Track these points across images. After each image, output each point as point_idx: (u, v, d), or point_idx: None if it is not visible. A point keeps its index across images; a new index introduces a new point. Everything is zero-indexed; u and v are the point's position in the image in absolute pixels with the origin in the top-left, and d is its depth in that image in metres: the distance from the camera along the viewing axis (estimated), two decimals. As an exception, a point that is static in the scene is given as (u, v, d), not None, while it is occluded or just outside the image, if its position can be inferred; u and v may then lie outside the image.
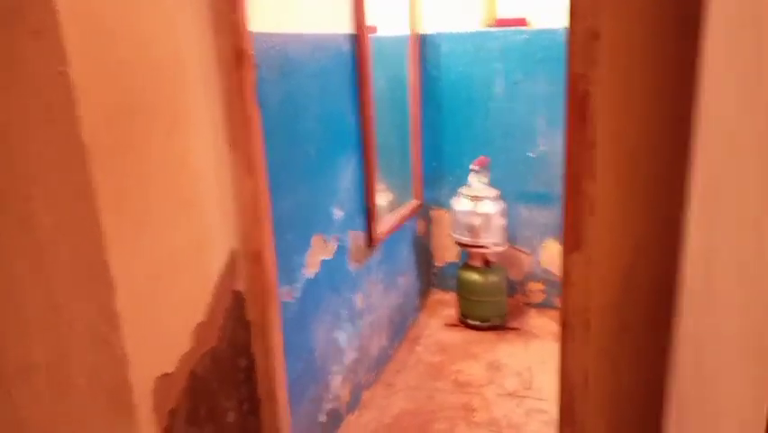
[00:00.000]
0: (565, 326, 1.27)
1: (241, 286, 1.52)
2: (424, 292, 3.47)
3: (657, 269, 1.13)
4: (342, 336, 2.29)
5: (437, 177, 3.42)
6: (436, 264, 3.60)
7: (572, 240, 1.22)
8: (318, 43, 2.00)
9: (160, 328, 1.22)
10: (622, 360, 1.21)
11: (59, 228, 1.02)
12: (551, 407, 2.45)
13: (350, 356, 2.38)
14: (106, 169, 1.01)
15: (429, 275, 3.58)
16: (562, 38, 2.90)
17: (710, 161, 0.90)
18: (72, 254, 1.03)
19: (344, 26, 2.20)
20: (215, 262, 1.42)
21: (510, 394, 2.57)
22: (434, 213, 3.50)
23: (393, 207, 2.89)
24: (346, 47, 2.22)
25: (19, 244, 1.05)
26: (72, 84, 0.90)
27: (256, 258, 1.51)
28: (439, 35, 3.22)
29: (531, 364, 2.81)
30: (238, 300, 1.52)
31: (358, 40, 2.27)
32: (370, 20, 2.33)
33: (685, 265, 1.02)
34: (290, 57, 1.82)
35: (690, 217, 0.99)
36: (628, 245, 1.16)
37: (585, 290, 1.22)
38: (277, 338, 1.62)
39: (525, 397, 2.54)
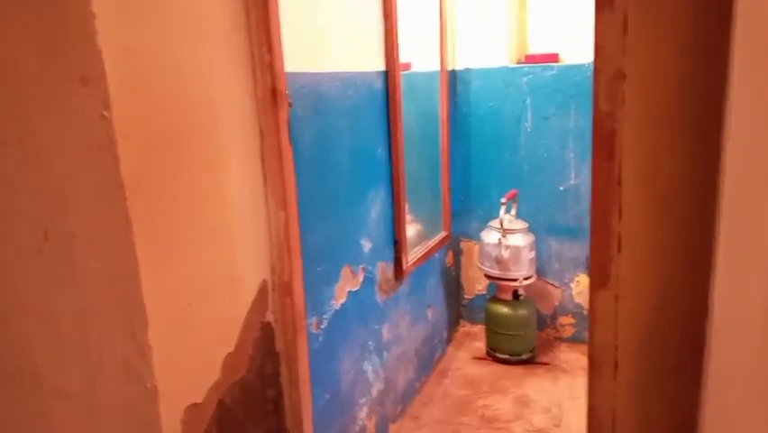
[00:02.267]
0: (593, 363, 1.26)
1: (270, 317, 1.55)
2: (452, 325, 3.45)
3: (689, 308, 1.12)
4: (368, 368, 2.30)
5: (466, 209, 3.43)
6: (465, 296, 3.59)
7: (599, 276, 1.22)
8: (350, 81, 2.06)
9: (191, 359, 1.25)
10: (652, 402, 1.20)
11: (97, 260, 1.07)
12: (581, 446, 2.40)
13: (376, 388, 2.38)
14: (142, 203, 1.06)
15: (458, 307, 3.57)
16: (591, 73, 2.93)
17: (742, 199, 0.90)
18: (108, 286, 1.08)
19: (376, 64, 2.26)
20: (247, 293, 1.45)
21: (539, 431, 2.53)
22: (464, 244, 3.50)
23: (421, 238, 2.91)
24: (378, 84, 2.28)
25: (61, 273, 1.10)
26: (113, 127, 0.96)
27: (286, 289, 1.55)
28: (469, 71, 3.27)
29: (561, 400, 2.76)
30: (267, 331, 1.55)
31: (389, 76, 2.33)
32: (402, 56, 2.39)
33: (717, 303, 1.01)
34: (323, 94, 1.88)
35: (722, 253, 0.99)
36: (658, 283, 1.16)
37: (612, 328, 1.22)
38: (304, 369, 1.64)
39: (554, 435, 2.49)
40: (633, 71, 1.12)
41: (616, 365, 1.23)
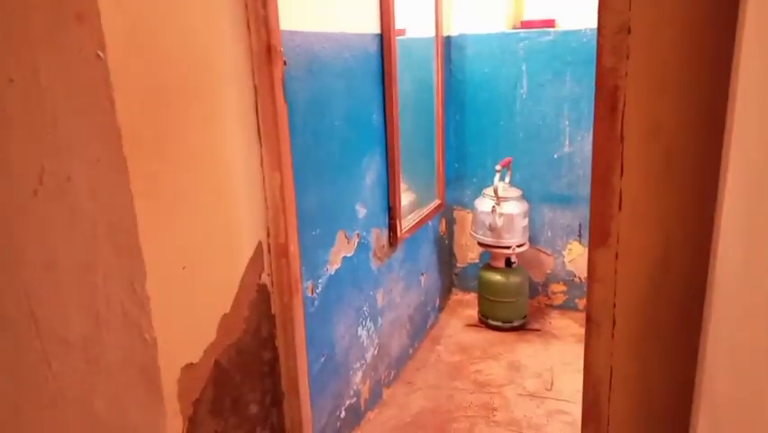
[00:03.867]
0: (590, 322, 1.26)
1: (266, 279, 1.54)
2: (445, 292, 3.46)
3: (689, 266, 1.12)
4: (363, 333, 2.30)
5: (460, 177, 3.42)
6: (458, 265, 3.60)
7: (599, 235, 1.21)
8: (345, 42, 2.01)
9: (188, 317, 1.24)
10: (650, 359, 1.20)
11: (94, 206, 1.05)
12: (572, 408, 2.43)
13: (370, 353, 2.39)
14: (141, 154, 1.04)
15: (450, 275, 3.58)
16: (589, 39, 2.91)
17: (748, 154, 0.89)
18: (108, 235, 1.06)
19: (372, 26, 2.22)
20: (243, 254, 1.44)
21: (531, 395, 2.56)
22: (457, 213, 3.50)
23: (415, 206, 2.90)
24: (373, 47, 2.23)
25: (58, 218, 1.08)
26: (108, 68, 0.93)
27: (282, 251, 1.53)
28: (464, 37, 3.22)
29: (552, 366, 2.79)
30: (263, 293, 1.54)
31: (385, 40, 2.28)
32: (397, 22, 2.34)
33: (719, 262, 1.00)
34: (318, 55, 1.84)
35: (725, 213, 0.98)
36: (659, 241, 1.15)
37: (611, 286, 1.22)
38: (300, 332, 1.63)
39: (545, 398, 2.52)
40: (638, 25, 1.10)
41: (614, 323, 1.23)
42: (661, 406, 1.22)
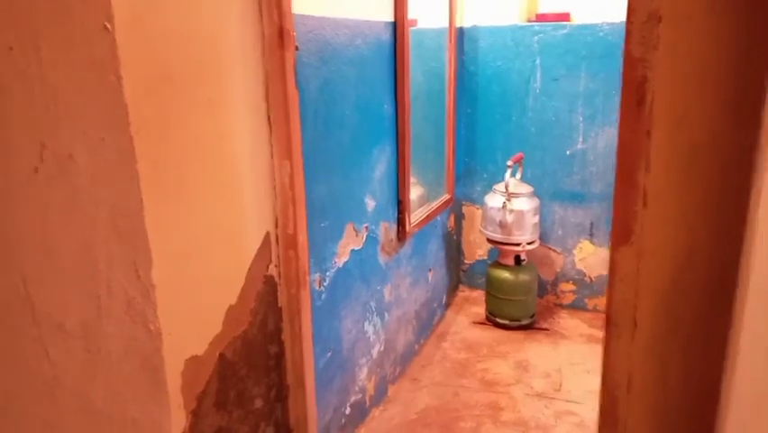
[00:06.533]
0: (610, 322, 1.21)
1: (273, 270, 1.50)
2: (451, 289, 3.42)
3: (714, 266, 1.07)
4: (369, 328, 2.26)
5: (469, 172, 3.36)
6: (465, 261, 3.55)
7: (622, 233, 1.16)
8: (358, 29, 1.97)
9: (193, 308, 1.20)
10: (671, 361, 1.15)
11: (98, 187, 1.01)
12: (581, 410, 2.39)
13: (377, 349, 2.35)
14: (147, 136, 0.99)
15: (458, 272, 3.53)
16: (606, 33, 2.85)
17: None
18: (110, 217, 1.01)
19: (385, 14, 2.17)
20: (250, 244, 1.40)
21: (539, 395, 2.51)
22: (466, 208, 3.45)
23: (424, 200, 2.85)
24: (386, 35, 2.18)
25: (59, 199, 1.03)
26: (116, 42, 0.88)
27: (290, 242, 1.49)
28: (477, 29, 3.16)
29: (560, 366, 2.74)
30: (270, 285, 1.50)
31: (398, 29, 2.23)
32: (410, 12, 2.29)
33: (755, 259, 0.95)
34: (330, 42, 1.79)
35: (762, 207, 0.93)
36: (683, 240, 1.10)
37: (633, 287, 1.17)
38: (307, 326, 1.59)
39: (553, 398, 2.48)
40: (669, 14, 1.05)
41: (635, 325, 1.18)
42: (681, 411, 1.18)
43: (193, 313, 1.20)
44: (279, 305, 1.54)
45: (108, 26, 0.87)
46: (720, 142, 1.05)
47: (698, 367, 1.13)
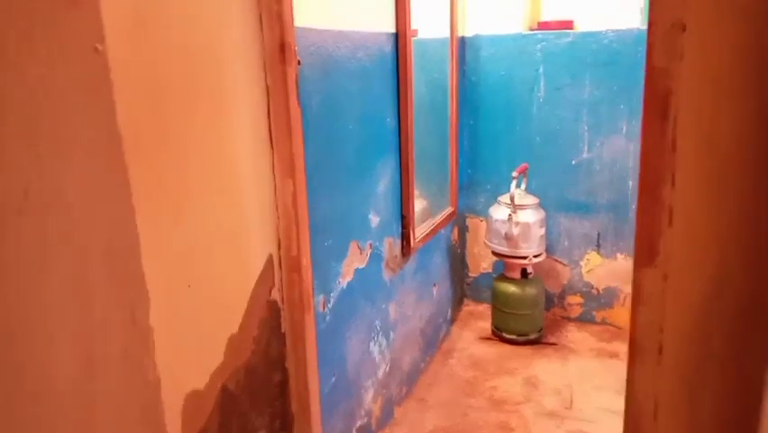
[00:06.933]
0: (634, 347, 1.14)
1: (276, 295, 1.43)
2: (456, 303, 3.35)
3: (749, 287, 1.01)
4: (375, 349, 2.19)
5: (473, 184, 3.30)
6: (470, 275, 3.48)
7: (646, 253, 1.09)
8: (360, 42, 1.91)
9: (194, 341, 1.13)
10: (703, 389, 1.08)
11: (89, 227, 0.92)
12: (594, 429, 2.31)
13: (382, 369, 2.28)
14: (142, 164, 0.92)
15: (462, 285, 3.46)
16: (610, 41, 2.80)
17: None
18: (103, 259, 0.93)
19: (387, 25, 2.11)
20: (252, 269, 1.33)
21: (549, 414, 2.44)
22: (470, 221, 3.38)
23: (427, 214, 2.78)
24: (388, 47, 2.13)
25: (44, 243, 0.94)
26: (108, 65, 0.81)
27: (294, 265, 1.42)
28: (479, 38, 3.11)
29: (570, 382, 2.67)
30: (273, 310, 1.43)
31: (399, 39, 2.18)
32: (411, 22, 2.23)
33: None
34: (332, 54, 1.73)
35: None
36: (713, 260, 1.04)
37: (659, 310, 1.10)
38: (311, 351, 1.52)
39: (565, 418, 2.40)
40: (694, 21, 0.99)
41: (660, 350, 1.12)
42: (712, 441, 1.11)
43: (193, 346, 1.13)
44: (283, 330, 1.47)
45: (99, 47, 0.80)
46: (753, 156, 0.99)
47: (730, 395, 1.07)
